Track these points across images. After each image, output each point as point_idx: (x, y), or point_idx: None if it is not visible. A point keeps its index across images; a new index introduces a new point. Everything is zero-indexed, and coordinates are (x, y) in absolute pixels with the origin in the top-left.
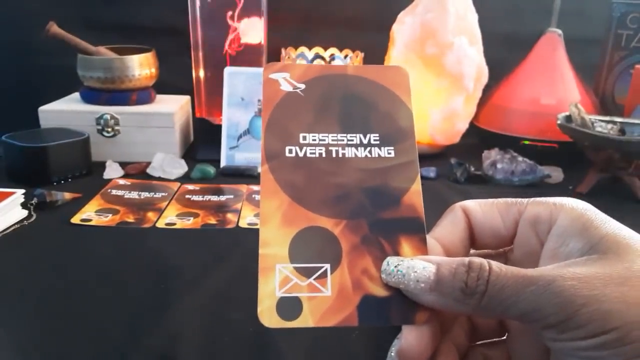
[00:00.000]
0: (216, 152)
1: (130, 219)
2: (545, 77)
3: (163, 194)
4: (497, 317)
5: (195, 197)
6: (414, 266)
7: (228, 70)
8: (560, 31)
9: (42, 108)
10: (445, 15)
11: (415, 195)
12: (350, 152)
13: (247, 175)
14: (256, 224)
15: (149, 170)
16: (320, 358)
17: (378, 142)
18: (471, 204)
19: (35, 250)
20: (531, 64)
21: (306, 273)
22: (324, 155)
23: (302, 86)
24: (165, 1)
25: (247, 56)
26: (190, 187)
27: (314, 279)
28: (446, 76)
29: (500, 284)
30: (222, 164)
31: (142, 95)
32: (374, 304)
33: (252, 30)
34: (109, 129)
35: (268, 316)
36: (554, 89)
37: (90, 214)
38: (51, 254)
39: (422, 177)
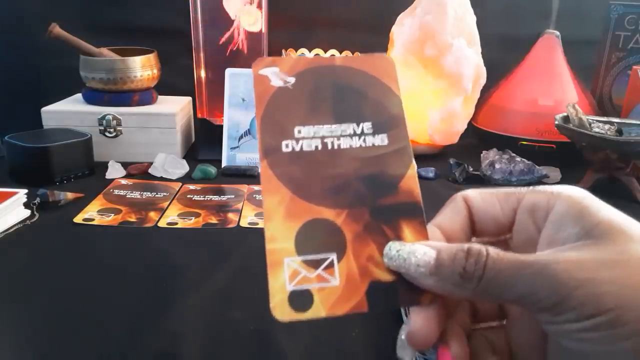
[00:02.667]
0: (217, 153)
1: (132, 218)
2: (543, 78)
3: (165, 193)
4: (495, 301)
5: (196, 197)
6: (415, 251)
7: (229, 72)
8: (558, 32)
9: (45, 109)
10: (444, 17)
11: (411, 180)
12: (345, 143)
13: (248, 175)
14: (257, 224)
15: (150, 171)
16: (320, 355)
17: (371, 131)
18: (472, 193)
19: (38, 249)
20: (529, 65)
21: (314, 264)
22: (320, 147)
23: (292, 79)
24: (167, 3)
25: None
26: (192, 187)
27: (322, 270)
28: (445, 77)
29: (496, 269)
30: (223, 164)
31: (144, 96)
32: (381, 289)
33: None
34: (111, 130)
35: (281, 310)
36: (552, 89)
37: (93, 213)
38: (54, 253)
39: (421, 177)
